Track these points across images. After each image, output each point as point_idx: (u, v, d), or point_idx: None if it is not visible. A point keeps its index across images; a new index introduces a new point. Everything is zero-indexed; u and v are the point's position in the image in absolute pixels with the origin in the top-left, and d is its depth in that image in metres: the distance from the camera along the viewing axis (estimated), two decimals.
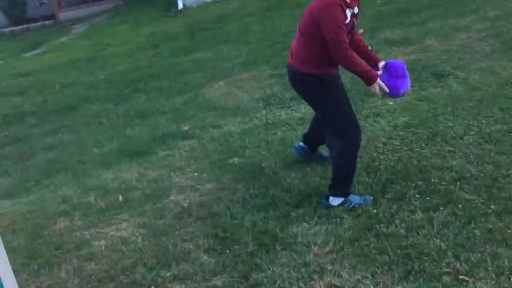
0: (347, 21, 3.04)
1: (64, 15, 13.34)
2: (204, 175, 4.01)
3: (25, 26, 13.17)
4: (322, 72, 3.22)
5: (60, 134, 5.70)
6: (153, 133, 5.11)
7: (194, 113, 5.38)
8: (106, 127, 5.61)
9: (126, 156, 4.74)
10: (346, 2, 3.04)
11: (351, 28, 3.13)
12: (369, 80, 3.08)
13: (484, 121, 3.85)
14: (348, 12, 3.05)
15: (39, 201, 4.21)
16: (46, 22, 13.20)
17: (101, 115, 6.00)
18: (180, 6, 10.87)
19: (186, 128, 5.04)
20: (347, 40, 3.07)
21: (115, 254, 3.25)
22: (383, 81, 3.06)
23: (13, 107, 6.91)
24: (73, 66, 8.44)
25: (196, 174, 4.06)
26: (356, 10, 3.12)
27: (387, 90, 3.06)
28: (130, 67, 7.64)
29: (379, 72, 3.14)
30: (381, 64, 3.20)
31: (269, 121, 4.74)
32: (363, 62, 3.17)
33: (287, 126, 4.56)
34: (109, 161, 4.72)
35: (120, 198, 3.91)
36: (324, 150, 3.76)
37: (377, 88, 3.06)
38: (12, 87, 7.94)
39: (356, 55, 3.13)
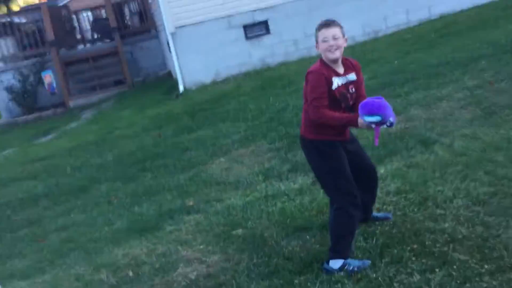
0: (334, 87, 3.13)
1: (74, 102, 13.54)
2: (210, 247, 3.99)
3: (37, 114, 13.34)
4: (320, 138, 3.25)
5: (72, 215, 5.68)
6: (160, 209, 5.10)
7: (197, 189, 5.39)
8: (115, 205, 5.60)
9: (135, 232, 4.71)
10: (334, 71, 3.17)
11: (347, 94, 3.20)
12: (354, 124, 3.10)
13: (471, 185, 3.86)
14: (338, 80, 3.15)
15: (53, 280, 4.16)
16: (57, 109, 13.37)
17: (110, 194, 6.00)
18: (181, 89, 11.07)
19: (190, 203, 5.04)
20: (330, 104, 3.12)
21: None
22: (364, 119, 3.00)
23: (27, 191, 6.92)
24: (83, 149, 8.51)
25: (202, 246, 4.03)
26: (352, 77, 3.22)
27: (371, 125, 3.01)
28: (136, 147, 7.70)
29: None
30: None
31: (269, 193, 4.74)
32: (342, 114, 3.16)
33: (286, 197, 4.56)
34: (119, 238, 4.70)
35: (130, 274, 3.87)
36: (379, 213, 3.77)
37: (364, 125, 3.04)
38: (26, 172, 7.97)
39: (333, 112, 3.13)
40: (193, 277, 3.60)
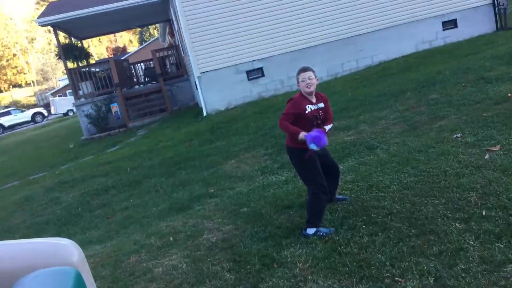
0: (307, 111, 3.19)
1: (132, 124, 13.55)
2: (225, 220, 3.97)
3: (107, 133, 13.34)
4: (297, 146, 3.21)
5: (131, 200, 5.66)
6: (191, 195, 5.09)
7: (216, 181, 5.38)
8: (160, 193, 5.59)
9: (174, 211, 4.70)
10: (309, 101, 3.24)
11: (318, 116, 3.23)
12: (296, 136, 3.11)
13: (402, 176, 3.86)
14: (311, 106, 3.21)
15: (118, 244, 4.14)
16: (121, 129, 13.38)
17: (157, 186, 5.99)
18: (204, 114, 11.08)
19: (212, 190, 5.03)
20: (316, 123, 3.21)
21: (168, 276, 3.16)
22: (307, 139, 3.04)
23: (100, 184, 6.91)
24: (138, 155, 8.51)
25: (219, 220, 4.02)
26: (321, 105, 3.27)
27: (308, 139, 3.02)
28: (174, 154, 7.70)
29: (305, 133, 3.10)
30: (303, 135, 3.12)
31: (265, 183, 4.73)
32: (294, 127, 3.15)
33: (276, 186, 4.55)
34: (163, 215, 4.68)
35: (171, 239, 3.85)
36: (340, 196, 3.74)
37: (301, 139, 3.07)
38: (100, 171, 7.96)
39: (288, 124, 3.18)
40: (213, 241, 3.58)
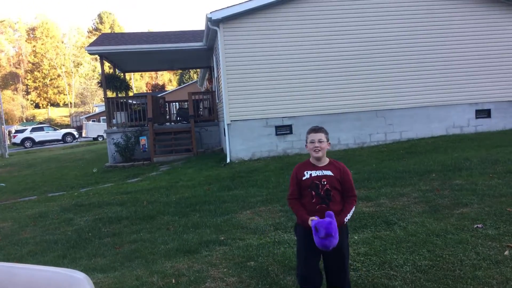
0: (304, 177, 2.75)
1: (156, 159, 13.76)
2: (230, 271, 3.90)
3: (131, 163, 13.56)
4: (298, 221, 2.83)
5: (141, 234, 5.65)
6: (201, 239, 5.05)
7: (228, 229, 5.34)
8: (171, 232, 5.57)
9: (181, 252, 4.65)
10: (312, 165, 2.80)
11: (319, 185, 2.73)
12: (304, 222, 2.68)
13: (417, 257, 3.75)
14: (312, 172, 2.76)
15: (120, 277, 4.09)
16: (145, 162, 13.59)
17: (169, 223, 5.98)
18: (228, 161, 11.19)
19: (222, 238, 4.98)
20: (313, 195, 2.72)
21: None
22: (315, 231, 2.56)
23: (115, 213, 6.95)
24: (157, 190, 8.57)
25: (225, 270, 3.95)
26: (327, 172, 2.75)
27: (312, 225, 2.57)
28: (192, 195, 7.73)
29: (315, 219, 2.60)
30: (311, 222, 2.62)
31: (276, 240, 4.67)
32: (301, 209, 2.75)
33: (287, 244, 4.48)
34: (170, 254, 4.64)
35: (173, 281, 3.80)
36: None
37: (309, 226, 2.62)
38: (117, 200, 8.04)
39: (298, 206, 2.77)
40: None
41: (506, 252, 3.62)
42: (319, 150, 2.78)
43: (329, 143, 2.84)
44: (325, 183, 2.72)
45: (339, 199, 2.75)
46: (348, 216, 2.73)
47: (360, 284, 3.34)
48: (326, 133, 2.83)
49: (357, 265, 3.73)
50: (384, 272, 3.52)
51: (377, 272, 3.54)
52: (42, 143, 34.83)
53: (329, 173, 2.75)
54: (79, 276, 1.20)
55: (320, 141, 2.78)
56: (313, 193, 2.71)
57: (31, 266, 1.26)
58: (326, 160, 2.83)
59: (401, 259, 3.74)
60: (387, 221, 4.88)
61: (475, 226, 4.37)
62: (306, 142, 2.86)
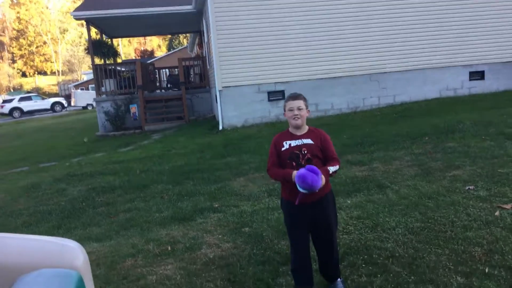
0: (283, 148, 2.63)
1: (148, 127, 13.69)
2: (225, 237, 3.97)
3: (122, 132, 13.49)
4: (283, 195, 2.77)
5: (135, 202, 5.69)
6: (195, 206, 5.10)
7: (222, 196, 5.38)
8: (165, 200, 5.61)
9: (176, 220, 4.71)
10: (291, 135, 2.68)
11: (299, 155, 2.60)
12: (288, 177, 2.53)
13: (409, 220, 3.82)
14: (290, 142, 2.64)
15: (116, 245, 4.15)
16: (136, 130, 13.52)
17: (163, 192, 6.02)
18: (220, 128, 11.16)
19: (216, 205, 5.03)
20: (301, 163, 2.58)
21: (161, 286, 3.16)
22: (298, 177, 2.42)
23: (108, 182, 6.96)
24: (149, 159, 8.57)
25: (220, 236, 4.01)
26: (307, 141, 2.63)
27: (296, 179, 2.45)
28: (185, 163, 7.74)
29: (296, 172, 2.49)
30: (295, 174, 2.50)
31: (270, 206, 4.72)
32: (281, 170, 2.61)
33: (281, 210, 4.52)
34: (164, 222, 4.69)
35: (169, 248, 3.86)
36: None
37: (292, 176, 2.49)
38: (109, 169, 8.04)
39: (277, 169, 2.64)
40: (211, 256, 3.57)
41: (497, 213, 3.70)
42: (298, 118, 2.63)
43: (309, 110, 2.70)
44: (305, 152, 2.60)
45: (321, 166, 2.61)
46: (332, 168, 2.59)
47: (353, 247, 3.41)
48: (305, 100, 2.69)
49: (350, 228, 3.80)
50: (376, 235, 3.59)
51: (370, 235, 3.61)
52: (30, 112, 34.38)
53: (309, 141, 2.63)
54: (72, 244, 1.21)
55: (299, 109, 2.64)
56: (294, 163, 2.59)
57: (23, 236, 1.26)
58: (305, 128, 2.71)
59: (393, 221, 3.81)
60: (380, 185, 4.94)
61: (467, 188, 4.44)
62: (285, 110, 2.72)
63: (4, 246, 1.14)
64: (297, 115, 2.63)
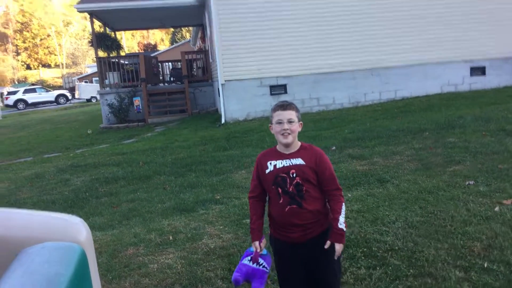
0: (267, 171, 2.05)
1: (151, 120, 13.69)
2: (226, 228, 3.97)
3: (126, 124, 13.49)
4: (271, 231, 2.24)
5: (138, 193, 5.70)
6: (197, 198, 5.10)
7: (224, 188, 5.39)
8: (167, 191, 5.62)
9: (178, 211, 4.71)
10: (278, 154, 2.08)
11: (286, 179, 2.02)
12: (251, 235, 2.20)
13: (408, 214, 3.81)
14: (276, 162, 2.04)
15: (118, 234, 4.16)
16: (140, 123, 13.52)
17: (165, 183, 6.02)
18: (223, 121, 11.15)
19: (218, 197, 5.03)
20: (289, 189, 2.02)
21: (162, 274, 3.16)
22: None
23: (111, 173, 6.97)
24: (152, 151, 8.58)
25: (221, 227, 4.01)
26: (296, 161, 2.02)
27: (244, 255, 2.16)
28: (187, 155, 7.74)
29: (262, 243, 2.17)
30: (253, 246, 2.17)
31: None
32: (253, 219, 2.18)
33: None
34: (167, 213, 4.70)
35: (170, 238, 3.86)
36: None
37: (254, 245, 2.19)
38: (112, 160, 8.05)
39: (254, 210, 2.17)
40: (212, 246, 3.58)
41: (496, 208, 3.68)
42: (288, 134, 2.02)
43: (301, 123, 2.09)
44: (294, 175, 2.00)
45: (316, 194, 2.03)
46: (341, 218, 2.00)
47: (353, 239, 3.41)
48: (297, 110, 2.09)
49: (350, 221, 3.79)
50: (376, 228, 3.58)
51: (370, 228, 3.60)
52: (35, 104, 34.41)
53: (299, 161, 2.01)
54: (75, 220, 1.22)
55: (290, 122, 2.03)
56: (279, 190, 2.02)
57: (27, 211, 1.27)
58: (296, 145, 2.08)
59: (393, 215, 3.80)
60: (380, 179, 4.93)
61: (467, 183, 4.43)
62: (271, 123, 2.09)
63: (9, 220, 1.15)
64: (286, 129, 2.01)
